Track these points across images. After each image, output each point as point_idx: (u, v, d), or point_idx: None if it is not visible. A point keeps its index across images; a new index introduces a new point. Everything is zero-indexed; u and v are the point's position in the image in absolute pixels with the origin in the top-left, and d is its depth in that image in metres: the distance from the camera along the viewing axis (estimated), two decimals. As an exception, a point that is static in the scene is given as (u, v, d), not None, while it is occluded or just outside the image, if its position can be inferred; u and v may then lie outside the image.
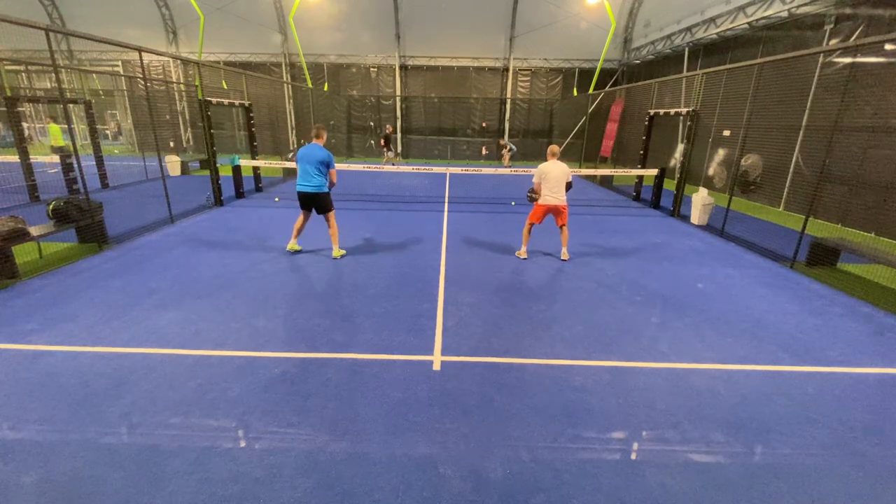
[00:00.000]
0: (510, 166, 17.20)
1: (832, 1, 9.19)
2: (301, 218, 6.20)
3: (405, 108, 21.65)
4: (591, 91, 17.95)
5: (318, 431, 2.77)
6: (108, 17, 19.88)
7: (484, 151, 21.07)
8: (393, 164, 16.86)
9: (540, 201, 6.24)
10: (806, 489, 2.42)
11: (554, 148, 6.25)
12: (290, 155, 15.87)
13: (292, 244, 6.31)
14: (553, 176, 6.06)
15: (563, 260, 6.32)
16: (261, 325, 4.14)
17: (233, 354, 3.62)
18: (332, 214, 6.06)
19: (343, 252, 6.21)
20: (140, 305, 4.49)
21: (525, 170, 13.30)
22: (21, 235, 5.28)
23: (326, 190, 5.89)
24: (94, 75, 21.22)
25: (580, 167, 16.27)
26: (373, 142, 21.72)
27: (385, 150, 17.25)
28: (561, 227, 6.33)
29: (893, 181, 7.82)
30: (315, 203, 5.91)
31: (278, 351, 3.69)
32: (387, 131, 17.94)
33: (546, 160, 6.19)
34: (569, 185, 6.17)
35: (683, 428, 2.88)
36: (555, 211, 6.20)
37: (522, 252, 6.49)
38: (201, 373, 3.35)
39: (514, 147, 18.40)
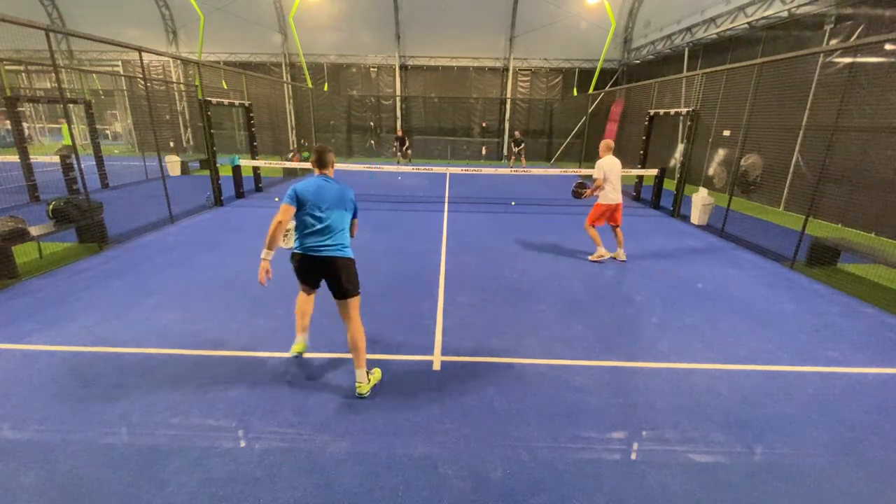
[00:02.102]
0: (525, 166, 17.01)
1: (832, 1, 9.18)
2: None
3: (405, 108, 21.64)
4: (591, 91, 17.95)
5: (318, 431, 2.77)
6: (107, 17, 19.88)
7: (484, 151, 21.05)
8: (398, 163, 17.21)
9: (602, 200, 5.87)
10: (806, 489, 2.42)
11: (610, 142, 5.89)
12: (290, 155, 15.91)
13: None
14: (616, 172, 5.79)
15: (622, 261, 6.14)
16: (261, 325, 4.14)
17: (233, 354, 3.62)
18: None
19: (372, 381, 3.19)
20: (140, 305, 4.49)
21: (526, 170, 13.37)
22: (21, 235, 5.28)
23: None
24: (94, 75, 21.21)
25: (580, 167, 16.26)
26: (373, 142, 21.77)
27: (398, 150, 18.26)
28: (616, 226, 6.10)
29: (893, 181, 7.82)
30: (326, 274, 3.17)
31: (278, 351, 3.69)
32: (398, 133, 18.78)
33: (600, 156, 5.86)
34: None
35: (683, 428, 2.87)
36: (615, 210, 5.93)
37: (605, 252, 6.08)
38: (201, 373, 3.35)
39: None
